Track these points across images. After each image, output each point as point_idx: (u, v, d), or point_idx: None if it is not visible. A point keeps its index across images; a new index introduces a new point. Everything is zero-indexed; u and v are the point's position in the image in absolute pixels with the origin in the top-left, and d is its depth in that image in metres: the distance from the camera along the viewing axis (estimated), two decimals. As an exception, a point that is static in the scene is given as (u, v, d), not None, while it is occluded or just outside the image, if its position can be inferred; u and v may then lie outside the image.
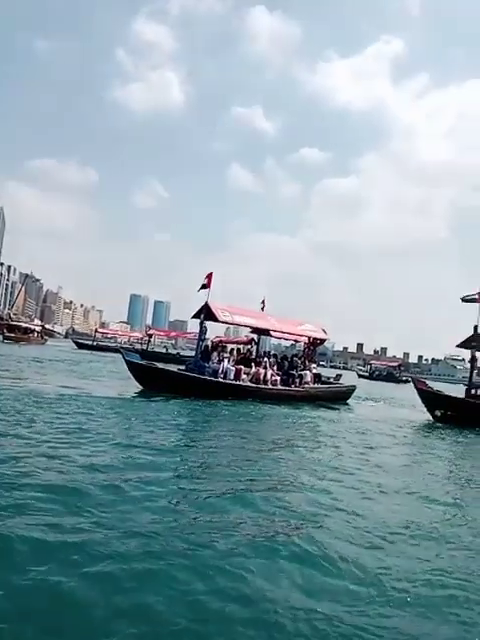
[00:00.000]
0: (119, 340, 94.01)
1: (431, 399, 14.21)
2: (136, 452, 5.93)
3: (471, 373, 16.48)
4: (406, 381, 57.81)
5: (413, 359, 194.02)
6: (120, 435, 6.86)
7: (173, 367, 14.80)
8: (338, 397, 17.52)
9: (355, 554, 3.60)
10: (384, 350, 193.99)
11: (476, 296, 14.54)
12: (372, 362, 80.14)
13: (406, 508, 5.06)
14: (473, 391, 14.80)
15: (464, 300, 14.61)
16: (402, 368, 65.43)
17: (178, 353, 38.47)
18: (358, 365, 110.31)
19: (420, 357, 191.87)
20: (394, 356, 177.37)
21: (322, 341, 18.73)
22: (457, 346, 15.49)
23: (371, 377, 55.02)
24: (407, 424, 13.04)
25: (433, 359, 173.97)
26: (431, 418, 14.04)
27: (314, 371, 17.45)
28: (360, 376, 51.18)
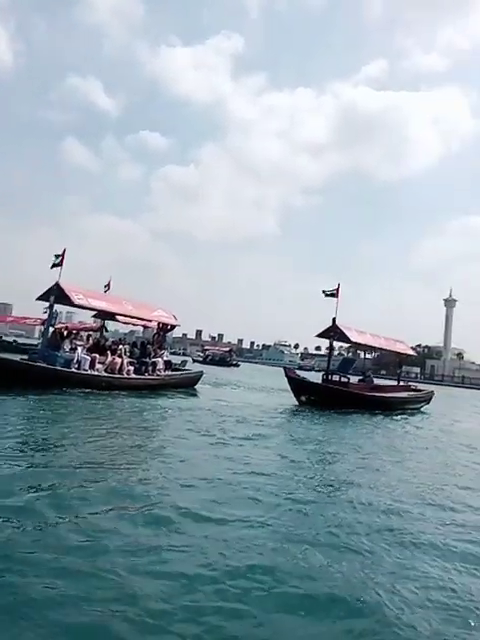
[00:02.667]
0: None
1: (298, 386, 15.58)
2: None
3: (329, 361, 18.11)
4: (236, 365, 63.74)
5: (246, 345, 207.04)
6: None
7: (13, 357, 13.19)
8: (189, 383, 17.85)
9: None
10: (221, 336, 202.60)
11: (335, 291, 16.07)
12: (207, 348, 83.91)
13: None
14: (328, 377, 16.40)
15: (325, 294, 16.09)
16: (234, 353, 70.80)
17: (14, 341, 33.77)
18: (197, 351, 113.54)
19: (252, 343, 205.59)
20: (229, 342, 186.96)
21: (173, 327, 18.80)
22: (317, 336, 16.83)
23: (205, 362, 57.59)
24: (278, 408, 14.00)
25: (264, 345, 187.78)
26: (297, 403, 15.35)
27: (165, 358, 17.46)
28: (195, 361, 53.42)
